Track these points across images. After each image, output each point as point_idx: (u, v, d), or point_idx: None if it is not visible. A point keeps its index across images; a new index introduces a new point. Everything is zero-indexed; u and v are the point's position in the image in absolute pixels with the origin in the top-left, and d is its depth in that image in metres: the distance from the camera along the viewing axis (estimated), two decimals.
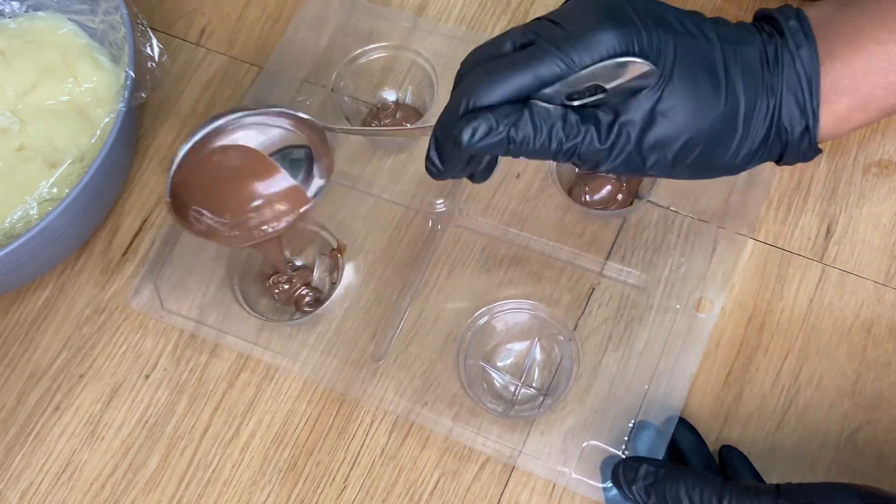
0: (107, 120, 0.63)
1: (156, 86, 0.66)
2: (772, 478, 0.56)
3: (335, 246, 0.63)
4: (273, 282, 0.63)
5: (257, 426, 0.61)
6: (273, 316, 0.63)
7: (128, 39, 0.64)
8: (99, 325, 0.65)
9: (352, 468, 0.59)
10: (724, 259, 0.60)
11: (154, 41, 0.66)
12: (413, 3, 0.72)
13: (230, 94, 0.71)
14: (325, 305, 0.61)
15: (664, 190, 0.62)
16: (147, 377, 0.63)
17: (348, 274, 0.63)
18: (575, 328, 0.60)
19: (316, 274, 0.64)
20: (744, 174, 0.61)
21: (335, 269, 0.63)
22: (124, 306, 0.65)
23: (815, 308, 0.60)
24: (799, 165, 0.63)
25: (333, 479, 0.59)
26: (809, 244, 0.61)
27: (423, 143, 0.66)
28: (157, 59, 0.66)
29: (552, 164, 0.63)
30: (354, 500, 0.58)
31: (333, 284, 0.63)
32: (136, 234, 0.67)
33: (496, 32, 0.70)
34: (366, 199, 0.65)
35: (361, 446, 0.59)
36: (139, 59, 0.64)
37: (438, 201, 0.64)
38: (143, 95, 0.64)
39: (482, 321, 0.60)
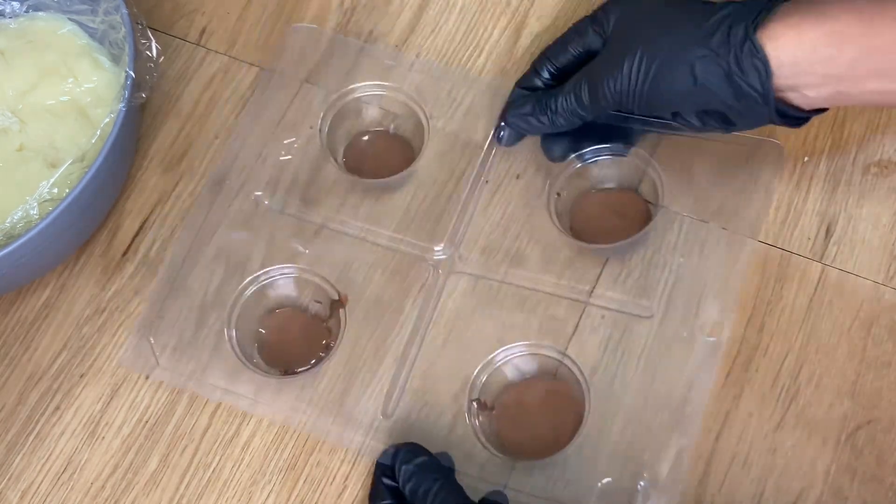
0: (107, 120, 0.63)
1: (156, 86, 0.66)
2: (772, 477, 0.56)
3: (335, 297, 0.62)
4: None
5: (257, 426, 0.61)
6: (268, 368, 0.62)
7: (128, 39, 0.63)
8: (99, 325, 0.65)
9: (352, 468, 0.59)
10: (725, 259, 0.60)
11: (154, 41, 0.66)
12: (414, 3, 0.72)
13: (230, 94, 0.71)
14: (327, 359, 0.60)
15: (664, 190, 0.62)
16: (147, 377, 0.63)
17: (347, 324, 0.61)
18: (566, 349, 0.59)
19: None
20: (743, 174, 0.62)
21: (335, 320, 0.61)
22: (123, 307, 0.65)
23: (815, 308, 0.60)
24: (798, 166, 0.63)
25: (334, 479, 0.59)
26: (809, 244, 0.62)
27: (417, 186, 0.65)
28: (156, 59, 0.66)
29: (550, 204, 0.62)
30: (355, 500, 0.58)
31: (334, 335, 0.61)
32: (136, 235, 0.67)
33: (496, 32, 0.70)
34: (360, 245, 0.64)
35: (361, 446, 0.59)
36: (139, 59, 0.64)
37: (437, 248, 0.63)
38: (144, 95, 0.64)
39: (491, 368, 0.59)
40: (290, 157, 0.67)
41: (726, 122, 0.57)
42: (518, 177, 0.65)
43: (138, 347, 0.62)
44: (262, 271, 0.63)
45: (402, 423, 0.59)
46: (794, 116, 0.56)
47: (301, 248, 0.64)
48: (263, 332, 0.63)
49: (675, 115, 0.57)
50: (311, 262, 0.63)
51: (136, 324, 0.63)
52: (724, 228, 0.61)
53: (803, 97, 0.54)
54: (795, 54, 0.52)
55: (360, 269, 0.63)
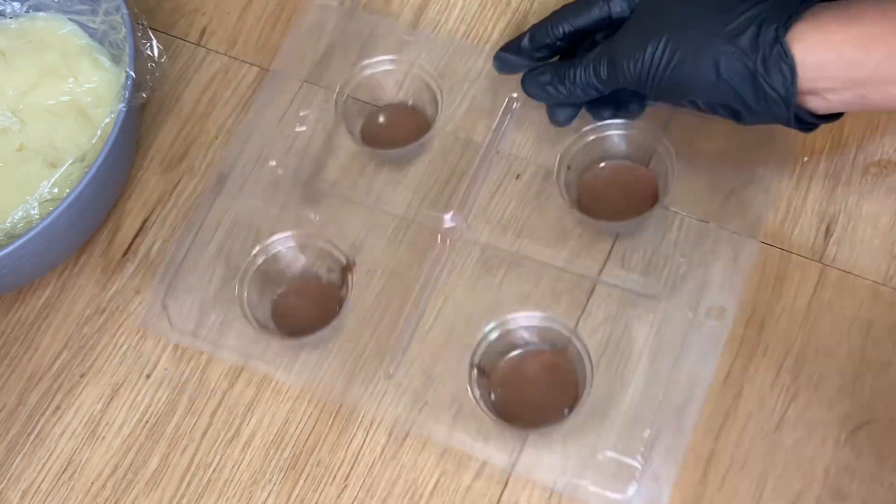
0: (107, 120, 0.63)
1: (156, 86, 0.66)
2: (772, 477, 0.56)
3: (344, 262, 0.62)
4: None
5: (258, 425, 0.61)
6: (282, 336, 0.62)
7: (128, 40, 0.64)
8: (100, 325, 0.65)
9: (352, 467, 0.59)
10: (725, 259, 0.60)
11: (154, 41, 0.66)
12: (414, 2, 0.72)
13: (230, 94, 0.71)
14: (333, 323, 0.60)
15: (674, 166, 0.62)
16: (148, 377, 0.63)
17: (355, 289, 0.62)
18: (576, 326, 0.60)
19: None
20: (745, 174, 0.62)
21: (344, 286, 0.62)
22: (124, 306, 0.65)
23: (815, 308, 0.60)
24: (798, 166, 0.63)
25: (334, 479, 0.59)
26: (809, 244, 0.62)
27: (428, 155, 0.65)
28: (157, 59, 0.66)
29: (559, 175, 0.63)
30: (355, 499, 0.58)
31: (343, 300, 0.62)
32: (137, 235, 0.67)
33: (496, 32, 0.70)
34: (371, 214, 0.64)
35: (362, 445, 0.59)
36: (139, 59, 0.64)
37: (447, 217, 0.63)
38: (144, 95, 0.64)
39: (493, 336, 0.59)
40: (304, 128, 0.67)
41: (736, 117, 0.57)
42: (518, 177, 0.65)
43: (151, 310, 0.63)
44: (273, 238, 0.63)
45: (410, 389, 0.59)
46: (808, 122, 0.56)
47: (312, 216, 0.64)
48: (277, 299, 0.63)
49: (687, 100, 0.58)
50: (322, 229, 0.64)
51: (152, 287, 0.64)
52: (723, 228, 0.61)
53: (823, 101, 0.54)
54: (821, 57, 0.52)
55: (371, 237, 0.64)
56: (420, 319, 0.61)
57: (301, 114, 0.68)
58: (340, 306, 0.62)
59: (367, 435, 0.60)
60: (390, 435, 0.59)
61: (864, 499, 0.55)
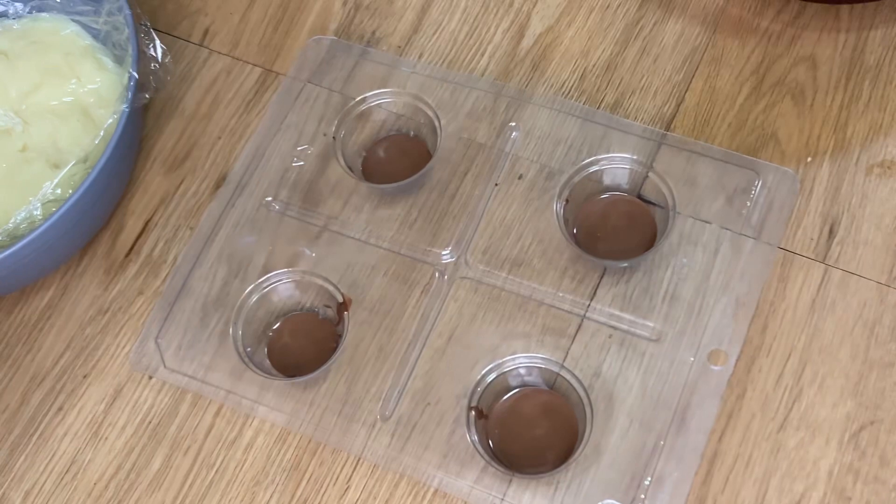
0: (110, 121, 0.63)
1: (159, 87, 0.66)
2: (775, 478, 0.56)
3: (340, 300, 0.62)
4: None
5: (261, 426, 0.61)
6: (277, 373, 0.62)
7: (131, 40, 0.64)
8: (102, 326, 0.65)
9: (354, 469, 0.59)
10: (728, 260, 0.60)
11: (157, 42, 0.66)
12: (417, 4, 0.72)
13: (233, 94, 0.71)
14: (330, 361, 0.60)
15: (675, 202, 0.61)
16: (150, 377, 0.63)
17: (351, 327, 0.61)
18: (572, 365, 0.59)
19: None
20: (748, 175, 0.61)
21: (340, 323, 0.62)
22: (127, 307, 0.65)
23: (818, 309, 0.60)
24: (802, 166, 0.63)
25: (336, 480, 0.59)
26: (812, 244, 0.61)
27: (426, 190, 0.65)
28: (160, 60, 0.66)
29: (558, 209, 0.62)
30: (357, 500, 0.58)
31: (339, 337, 0.61)
32: (140, 235, 0.67)
33: (499, 33, 0.70)
34: (368, 250, 0.64)
35: (364, 446, 0.59)
36: (142, 60, 0.64)
37: (444, 252, 0.63)
38: (147, 96, 0.64)
39: (491, 377, 0.59)
40: (302, 163, 0.67)
41: None
42: (521, 177, 0.65)
43: (144, 348, 0.62)
44: (268, 274, 0.63)
45: (403, 426, 0.59)
46: None
47: (308, 252, 0.64)
48: (272, 335, 0.63)
49: None
50: (318, 265, 0.63)
51: (143, 325, 0.64)
52: (726, 229, 0.61)
53: None
54: None
55: (366, 272, 0.63)
56: (417, 359, 0.60)
57: (299, 148, 0.67)
58: (337, 343, 0.61)
59: (369, 436, 0.59)
60: (393, 436, 0.59)
61: (867, 500, 0.55)
